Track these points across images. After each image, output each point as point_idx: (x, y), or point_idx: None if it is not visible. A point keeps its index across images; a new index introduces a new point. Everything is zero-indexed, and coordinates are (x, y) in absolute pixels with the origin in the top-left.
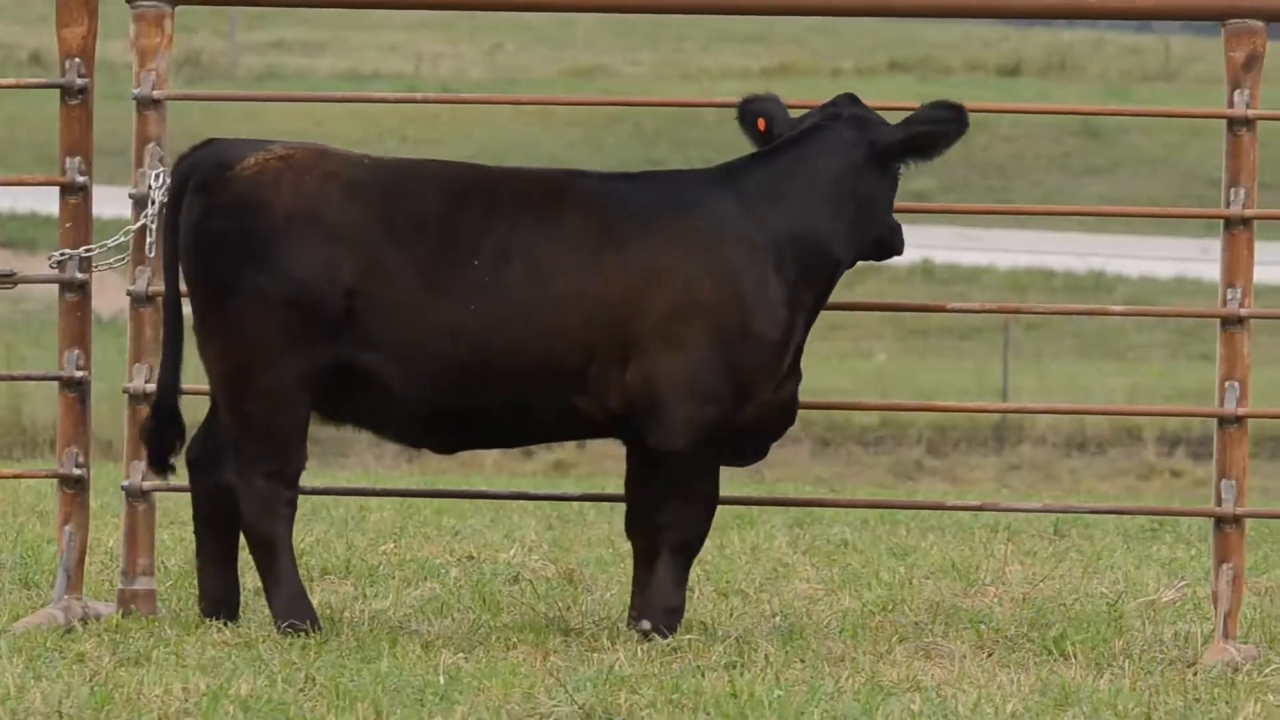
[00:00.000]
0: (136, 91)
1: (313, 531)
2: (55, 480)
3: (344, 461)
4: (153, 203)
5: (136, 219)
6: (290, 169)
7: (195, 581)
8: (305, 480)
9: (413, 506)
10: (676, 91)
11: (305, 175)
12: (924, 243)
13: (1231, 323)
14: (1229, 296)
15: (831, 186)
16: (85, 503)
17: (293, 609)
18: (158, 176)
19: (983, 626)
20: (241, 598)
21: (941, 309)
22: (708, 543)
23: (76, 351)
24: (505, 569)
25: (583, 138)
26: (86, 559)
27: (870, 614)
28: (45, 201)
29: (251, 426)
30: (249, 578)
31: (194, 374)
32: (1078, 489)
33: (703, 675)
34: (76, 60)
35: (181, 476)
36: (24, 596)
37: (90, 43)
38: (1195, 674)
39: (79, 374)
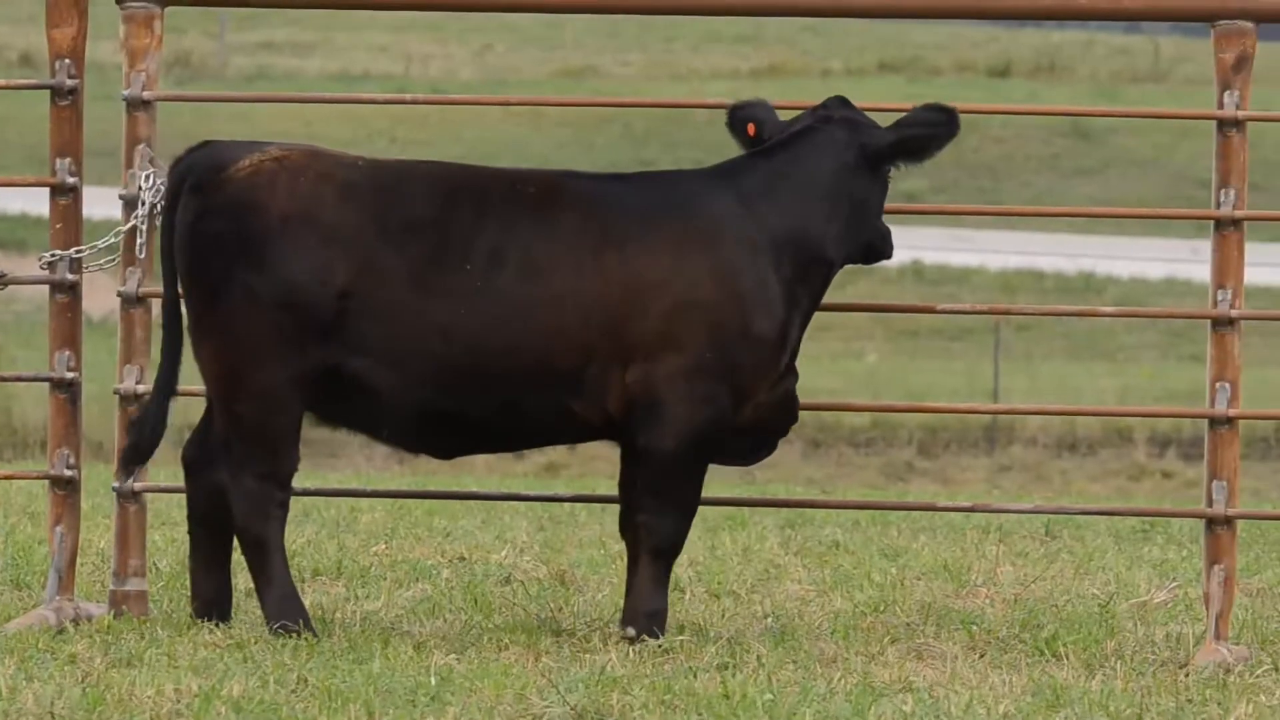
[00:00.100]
0: (126, 92)
1: (304, 533)
2: (46, 481)
3: (335, 463)
4: (143, 204)
5: (127, 220)
6: (285, 170)
7: (187, 582)
8: (296, 481)
9: (404, 507)
10: (666, 92)
11: (300, 177)
12: (914, 244)
13: (1222, 324)
14: (1219, 298)
15: (826, 188)
16: (76, 504)
17: (284, 610)
18: (148, 177)
19: (975, 627)
20: (233, 599)
21: (932, 310)
22: (700, 544)
23: (67, 353)
24: (497, 570)
25: (572, 138)
26: (78, 560)
27: (862, 615)
28: (35, 202)
29: (244, 427)
30: (241, 579)
31: (190, 376)
32: (1069, 490)
33: (695, 676)
34: (66, 61)
35: (174, 478)
36: (15, 598)
37: (80, 43)
38: (1187, 675)
39: (70, 375)
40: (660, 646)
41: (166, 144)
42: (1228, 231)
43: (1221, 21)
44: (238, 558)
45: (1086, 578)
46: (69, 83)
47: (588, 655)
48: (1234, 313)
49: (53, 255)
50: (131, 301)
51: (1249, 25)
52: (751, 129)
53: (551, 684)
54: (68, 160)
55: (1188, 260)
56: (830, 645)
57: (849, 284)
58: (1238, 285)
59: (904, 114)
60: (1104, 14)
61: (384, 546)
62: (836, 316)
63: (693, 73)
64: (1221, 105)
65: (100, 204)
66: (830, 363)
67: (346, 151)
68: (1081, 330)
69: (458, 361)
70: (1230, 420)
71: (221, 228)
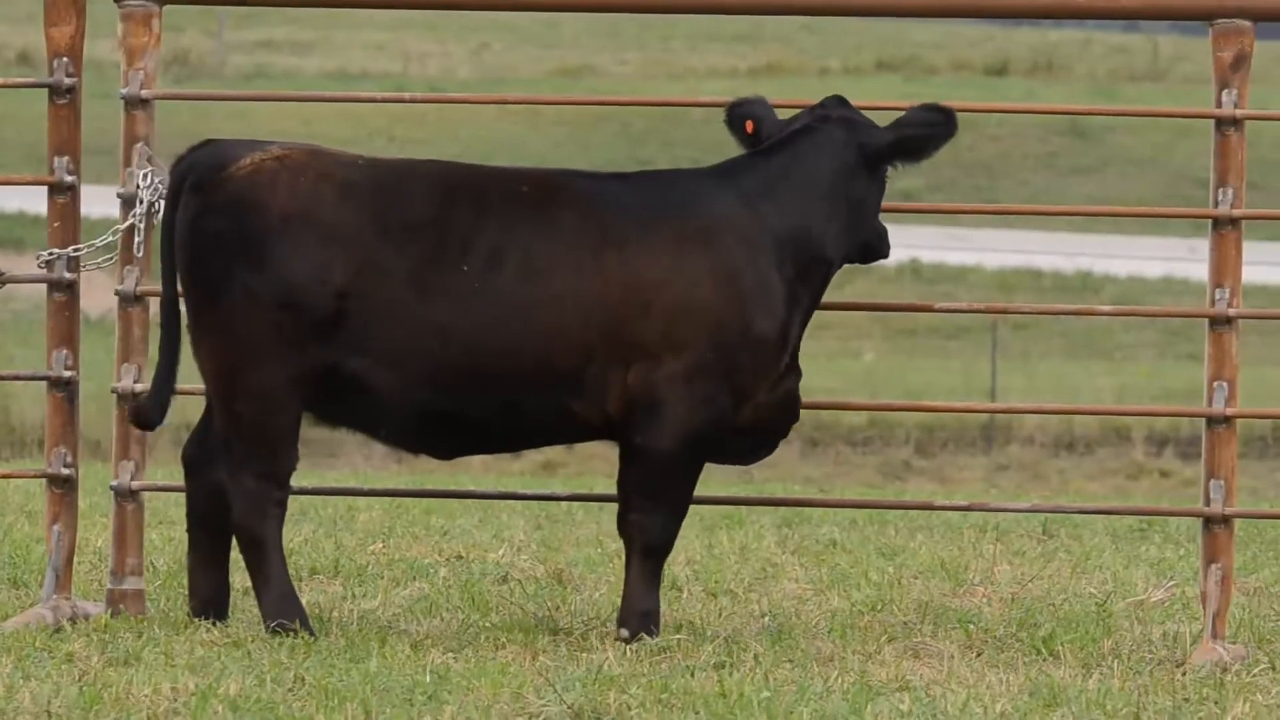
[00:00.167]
0: (124, 91)
1: (301, 531)
2: (44, 480)
3: (333, 461)
4: (141, 202)
5: (125, 218)
6: (285, 169)
7: (184, 581)
8: (294, 480)
9: (401, 506)
10: (663, 91)
11: (300, 175)
12: (911, 242)
13: (1220, 323)
14: (1217, 296)
15: (825, 187)
16: (74, 502)
17: (282, 609)
18: (146, 176)
19: (971, 626)
20: (231, 597)
21: (929, 309)
22: (697, 543)
23: (65, 351)
24: (494, 569)
25: (570, 137)
26: (75, 559)
27: (859, 614)
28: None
29: (242, 426)
30: (238, 577)
31: (189, 375)
32: (1066, 489)
33: (692, 675)
34: (64, 59)
35: (171, 476)
36: (12, 596)
37: (78, 42)
38: (1184, 674)
39: (67, 374)
40: (657, 645)
41: (165, 142)
42: (1225, 230)
43: (1219, 20)
44: (235, 557)
45: (1084, 577)
46: (67, 81)
47: (585, 654)
48: (1232, 311)
49: (50, 254)
50: (129, 300)
51: (1247, 24)
52: (750, 126)
53: (549, 683)
54: (66, 159)
55: (1185, 259)
56: (827, 644)
57: (846, 283)
58: (1235, 284)
59: (902, 113)
60: (1102, 12)
61: (381, 545)
62: (834, 315)
63: (690, 71)
64: (1219, 104)
65: (98, 202)
66: (828, 361)
67: (346, 150)
68: (1079, 329)
69: (457, 361)
70: (1228, 419)
71: (222, 226)
